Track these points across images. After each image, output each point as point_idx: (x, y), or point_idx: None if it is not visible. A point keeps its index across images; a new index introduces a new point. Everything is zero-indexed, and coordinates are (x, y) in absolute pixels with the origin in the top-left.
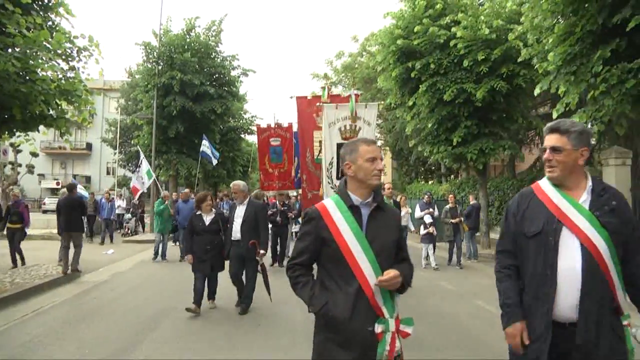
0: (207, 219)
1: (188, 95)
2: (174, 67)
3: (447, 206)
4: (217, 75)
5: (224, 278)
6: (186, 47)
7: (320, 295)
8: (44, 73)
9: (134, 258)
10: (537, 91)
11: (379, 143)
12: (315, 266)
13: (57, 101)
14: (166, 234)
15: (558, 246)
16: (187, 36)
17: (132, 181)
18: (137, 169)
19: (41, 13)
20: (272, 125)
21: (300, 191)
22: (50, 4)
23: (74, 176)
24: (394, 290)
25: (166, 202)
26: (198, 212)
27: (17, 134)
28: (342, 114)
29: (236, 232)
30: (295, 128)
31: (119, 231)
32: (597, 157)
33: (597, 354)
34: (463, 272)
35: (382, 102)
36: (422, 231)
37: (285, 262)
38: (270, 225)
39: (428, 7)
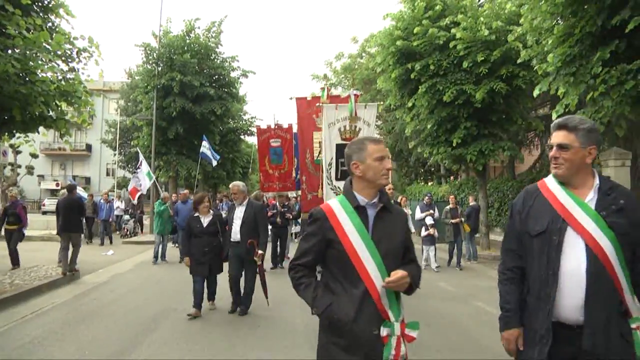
0: (205, 220)
1: (188, 97)
2: (174, 69)
3: (448, 207)
4: (216, 77)
5: (223, 279)
6: (186, 48)
7: (323, 297)
8: (44, 74)
9: (134, 259)
10: (536, 92)
11: None
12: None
13: (57, 102)
14: (166, 235)
15: (562, 246)
16: (187, 37)
17: (131, 183)
18: (137, 171)
19: (41, 14)
20: (272, 126)
21: (300, 192)
22: (50, 5)
23: (74, 177)
24: (402, 291)
25: (166, 204)
26: (195, 214)
27: (17, 135)
28: (341, 114)
29: (235, 234)
30: (295, 129)
31: (117, 232)
32: (596, 158)
33: None
34: (463, 273)
35: (382, 103)
36: (424, 233)
37: (284, 263)
38: (270, 227)
39: (428, 9)
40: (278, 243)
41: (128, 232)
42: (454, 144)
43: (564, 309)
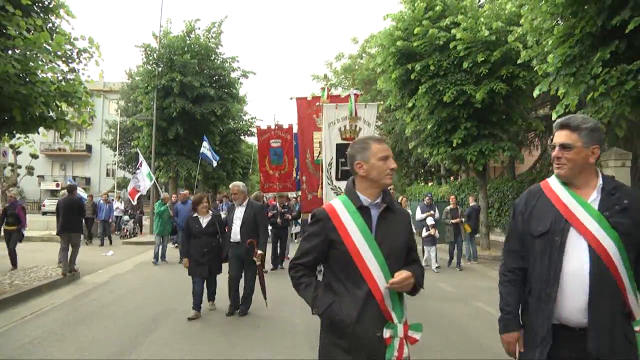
0: (204, 221)
1: (188, 97)
2: (174, 69)
3: (448, 207)
4: (217, 77)
5: (223, 279)
6: (186, 49)
7: (324, 297)
8: (44, 75)
9: (134, 260)
10: (536, 93)
11: None
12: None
13: (57, 103)
14: (166, 236)
15: (564, 247)
16: (187, 38)
17: (130, 184)
18: (136, 171)
19: (41, 15)
20: (273, 127)
21: (300, 193)
22: (50, 6)
23: (74, 178)
24: (406, 292)
25: (166, 204)
26: (194, 215)
27: (17, 135)
28: (341, 114)
29: (235, 234)
30: (295, 129)
31: (117, 233)
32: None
33: None
34: (462, 273)
35: (382, 103)
36: (424, 233)
37: (284, 264)
38: (270, 228)
39: (428, 9)
40: (278, 244)
41: (128, 233)
42: (454, 145)
43: (566, 310)
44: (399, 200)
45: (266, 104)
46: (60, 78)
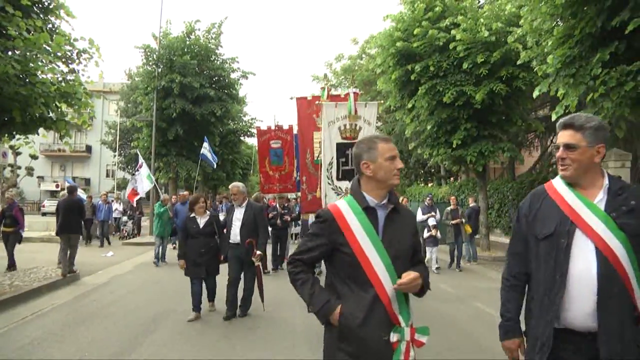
0: (202, 221)
1: (188, 98)
2: (174, 70)
3: (449, 208)
4: (216, 78)
5: (223, 280)
6: (186, 49)
7: (320, 295)
8: (44, 76)
9: (134, 260)
10: (536, 93)
11: None
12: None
13: (57, 104)
14: (165, 237)
15: (570, 249)
16: (187, 39)
17: (129, 186)
18: (135, 173)
19: (41, 16)
20: (272, 127)
21: (300, 193)
22: (50, 7)
23: (74, 178)
24: (414, 293)
25: (166, 206)
26: (192, 215)
27: (17, 136)
28: (341, 112)
29: (235, 235)
30: (295, 130)
31: (116, 234)
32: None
33: None
34: (462, 274)
35: (382, 102)
36: (426, 234)
37: (284, 265)
38: (270, 229)
39: (427, 10)
40: (278, 245)
41: (127, 234)
42: (454, 145)
43: (572, 314)
44: (400, 201)
45: (266, 105)
46: (60, 79)
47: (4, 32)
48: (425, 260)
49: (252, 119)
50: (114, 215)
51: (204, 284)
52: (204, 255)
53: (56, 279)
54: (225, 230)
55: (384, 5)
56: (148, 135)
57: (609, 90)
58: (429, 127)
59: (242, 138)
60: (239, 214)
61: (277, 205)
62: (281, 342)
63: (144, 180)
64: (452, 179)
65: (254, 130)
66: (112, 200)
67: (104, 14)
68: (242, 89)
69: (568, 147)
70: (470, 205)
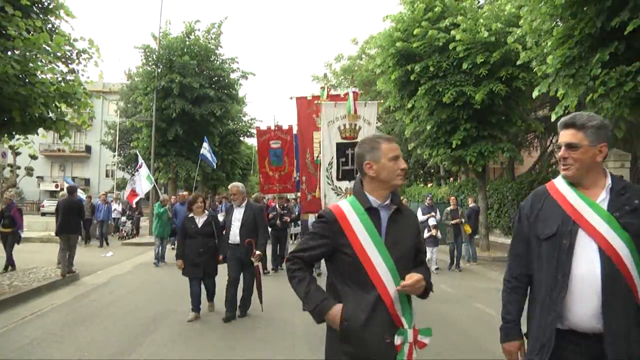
0: (200, 221)
1: (187, 98)
2: (174, 70)
3: (448, 208)
4: (216, 78)
5: (222, 280)
6: (186, 50)
7: (316, 293)
8: (44, 76)
9: (133, 261)
10: (535, 94)
11: None
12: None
13: (57, 104)
14: (165, 238)
15: (573, 250)
16: (187, 39)
17: (128, 186)
18: (135, 173)
19: (41, 16)
20: (272, 128)
21: (299, 194)
22: (50, 7)
23: (73, 178)
24: (417, 295)
25: (166, 206)
26: (190, 215)
27: (17, 136)
28: (340, 112)
29: (235, 236)
30: (295, 130)
31: (115, 234)
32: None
33: None
34: (462, 274)
35: (382, 102)
36: (426, 234)
37: (284, 265)
38: (269, 229)
39: (427, 10)
40: (278, 246)
41: (126, 234)
42: (454, 146)
43: (576, 315)
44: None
45: (266, 105)
46: (59, 79)
47: (4, 32)
48: (426, 260)
49: (251, 119)
50: (113, 215)
51: (202, 284)
52: (202, 255)
53: (55, 279)
54: (224, 231)
55: (384, 5)
56: (148, 135)
57: (608, 90)
58: (428, 128)
59: (241, 138)
60: (238, 214)
61: (277, 206)
62: (281, 342)
63: (143, 181)
64: (451, 179)
65: (254, 131)
66: (112, 201)
67: (104, 14)
68: (241, 89)
69: (570, 146)
70: (470, 205)
